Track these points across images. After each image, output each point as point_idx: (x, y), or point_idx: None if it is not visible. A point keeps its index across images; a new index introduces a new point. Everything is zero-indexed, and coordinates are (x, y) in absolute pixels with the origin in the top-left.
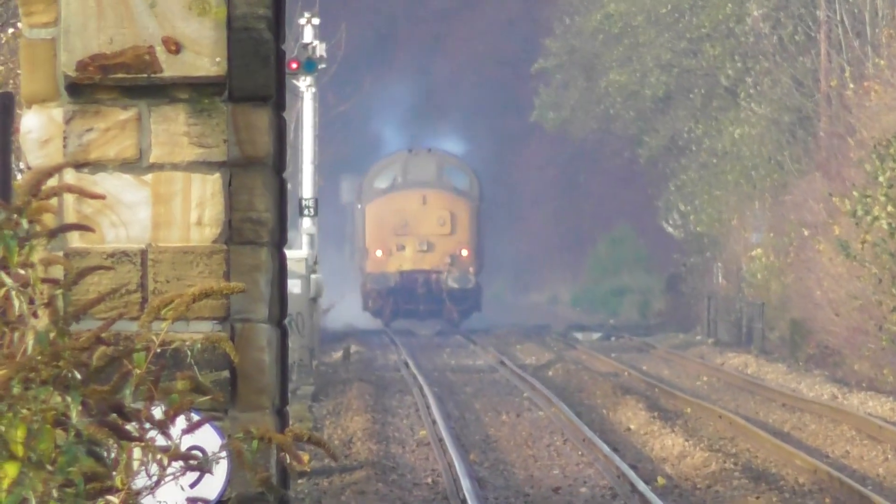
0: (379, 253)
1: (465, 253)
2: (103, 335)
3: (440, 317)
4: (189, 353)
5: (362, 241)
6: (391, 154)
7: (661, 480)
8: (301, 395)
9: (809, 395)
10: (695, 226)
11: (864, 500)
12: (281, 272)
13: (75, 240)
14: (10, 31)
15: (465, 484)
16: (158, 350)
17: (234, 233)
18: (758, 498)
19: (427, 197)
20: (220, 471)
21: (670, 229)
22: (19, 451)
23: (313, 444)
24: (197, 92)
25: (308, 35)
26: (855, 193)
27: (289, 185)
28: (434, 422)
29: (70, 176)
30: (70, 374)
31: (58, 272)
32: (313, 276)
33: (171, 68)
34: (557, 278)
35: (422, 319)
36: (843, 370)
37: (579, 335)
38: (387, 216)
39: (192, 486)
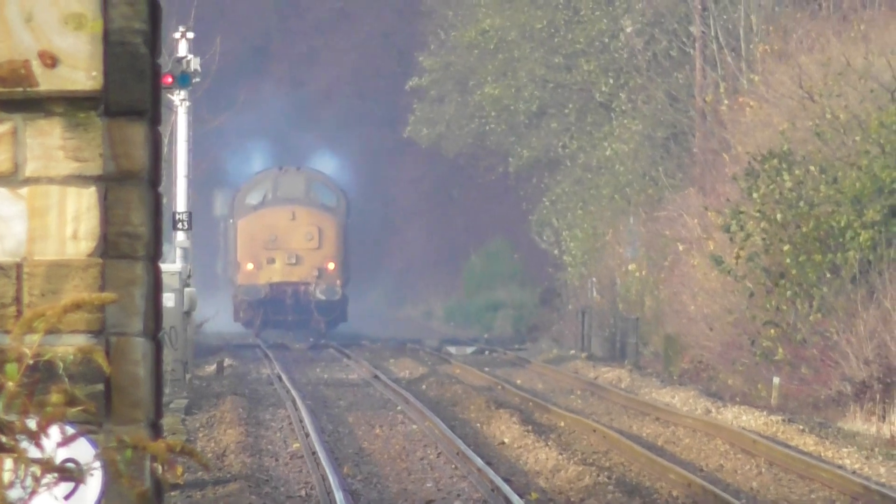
0: (250, 266)
1: (331, 266)
2: None
3: (308, 327)
4: (62, 364)
5: (234, 254)
6: (262, 171)
7: (534, 495)
8: (174, 408)
9: (683, 410)
10: (567, 241)
11: None
12: (156, 286)
13: None
14: None
15: (339, 497)
16: (31, 363)
17: (110, 246)
18: None
19: (296, 213)
20: (95, 483)
21: (544, 245)
22: None
23: (186, 454)
24: (73, 106)
25: (182, 49)
26: (727, 210)
27: (163, 199)
28: (307, 435)
29: None
30: None
31: None
32: (187, 290)
33: (47, 82)
34: (432, 292)
35: (290, 329)
36: (717, 384)
37: (453, 349)
38: (257, 231)
39: (67, 497)
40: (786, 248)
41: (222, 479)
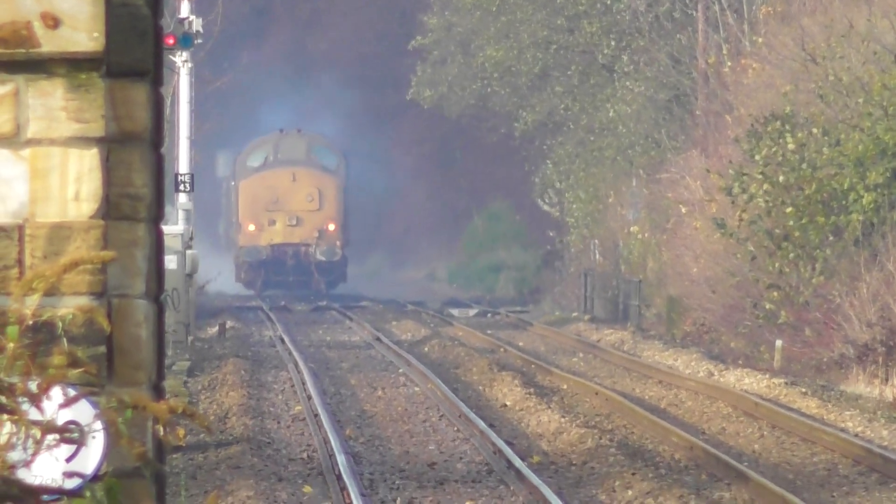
0: (251, 227)
1: (331, 227)
2: None
3: (308, 287)
4: (60, 324)
5: (236, 215)
6: (264, 135)
7: (535, 458)
8: (176, 370)
9: (685, 372)
10: (570, 203)
11: (740, 476)
12: (157, 247)
13: None
14: None
15: (341, 459)
16: (31, 323)
17: (112, 208)
18: (634, 474)
19: (296, 175)
20: (97, 445)
21: (546, 207)
22: None
23: (187, 416)
24: (75, 67)
25: (184, 10)
26: (731, 171)
27: (166, 161)
28: (309, 397)
29: None
30: None
31: None
32: (189, 252)
33: (49, 43)
34: (434, 254)
35: (291, 290)
36: (720, 347)
37: (455, 311)
38: (259, 193)
39: (69, 460)
40: (788, 210)
41: (224, 442)
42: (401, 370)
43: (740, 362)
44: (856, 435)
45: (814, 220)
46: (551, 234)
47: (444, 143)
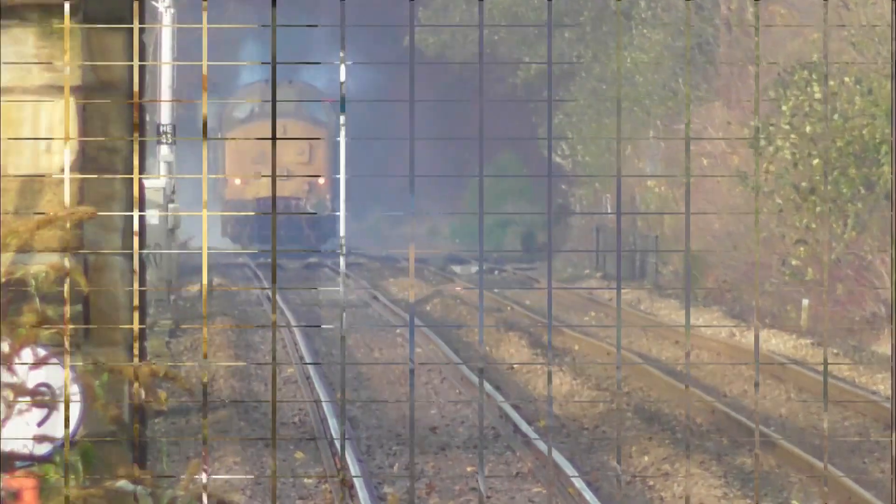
0: (237, 181)
1: (322, 181)
2: None
3: (299, 242)
4: (33, 282)
5: (222, 169)
6: (249, 84)
7: (542, 422)
8: (158, 330)
9: (706, 332)
10: (582, 156)
11: (765, 441)
12: (138, 202)
13: None
14: None
15: (333, 423)
16: (3, 281)
17: (88, 160)
18: (650, 439)
19: (286, 127)
20: (72, 408)
21: (558, 159)
22: None
23: (169, 379)
24: (48, 13)
25: None
26: (753, 124)
27: (147, 113)
28: (301, 358)
29: None
30: None
31: None
32: (171, 206)
33: None
34: (436, 209)
35: (281, 244)
36: (742, 306)
37: (458, 269)
38: (245, 145)
39: (40, 424)
40: (815, 162)
41: (211, 406)
42: (398, 330)
43: (766, 322)
44: (888, 398)
45: (845, 173)
46: (563, 187)
47: (448, 92)
